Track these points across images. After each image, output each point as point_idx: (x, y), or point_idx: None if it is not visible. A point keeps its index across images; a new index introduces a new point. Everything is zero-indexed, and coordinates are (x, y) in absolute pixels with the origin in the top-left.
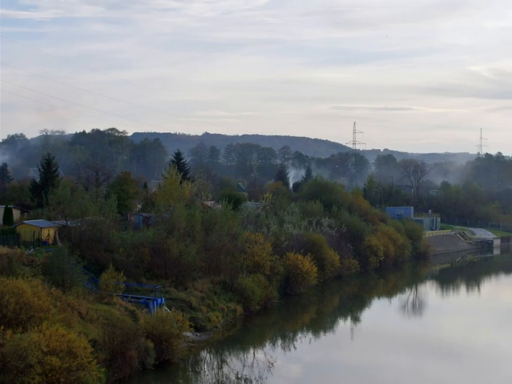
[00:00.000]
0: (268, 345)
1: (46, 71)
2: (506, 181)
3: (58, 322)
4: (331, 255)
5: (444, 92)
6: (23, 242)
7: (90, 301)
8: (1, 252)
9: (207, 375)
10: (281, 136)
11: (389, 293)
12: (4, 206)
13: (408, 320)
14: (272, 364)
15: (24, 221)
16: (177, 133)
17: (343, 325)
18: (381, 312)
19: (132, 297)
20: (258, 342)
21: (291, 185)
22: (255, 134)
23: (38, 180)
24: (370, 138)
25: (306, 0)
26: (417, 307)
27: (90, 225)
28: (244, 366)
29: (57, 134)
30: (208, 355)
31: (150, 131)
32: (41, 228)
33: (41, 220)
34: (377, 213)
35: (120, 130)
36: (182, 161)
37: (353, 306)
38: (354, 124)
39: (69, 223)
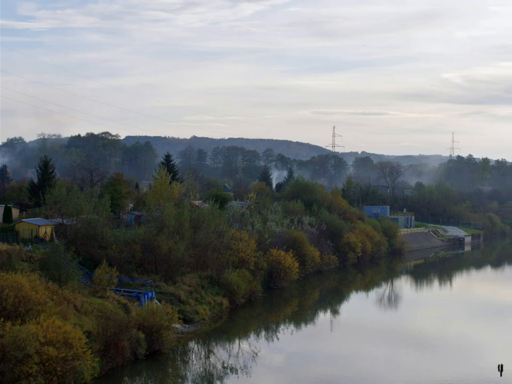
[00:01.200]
0: (252, 336)
1: (44, 78)
2: (477, 181)
3: (54, 314)
4: (312, 251)
5: (418, 98)
6: (22, 240)
7: (85, 294)
8: (1, 248)
9: (195, 364)
10: (264, 139)
11: (366, 287)
12: (4, 205)
13: (384, 313)
14: (256, 353)
15: (23, 219)
16: (167, 137)
17: (323, 317)
18: (358, 305)
19: (124, 291)
20: (243, 333)
21: (274, 186)
22: (240, 137)
23: (35, 180)
24: (349, 142)
25: (289, 12)
26: (392, 300)
27: (85, 223)
28: (230, 355)
29: (54, 137)
30: (196, 345)
31: (141, 135)
32: (38, 225)
33: (39, 218)
34: (355, 212)
35: (113, 134)
36: (171, 163)
37: (332, 299)
38: (334, 128)
39: (64, 221)
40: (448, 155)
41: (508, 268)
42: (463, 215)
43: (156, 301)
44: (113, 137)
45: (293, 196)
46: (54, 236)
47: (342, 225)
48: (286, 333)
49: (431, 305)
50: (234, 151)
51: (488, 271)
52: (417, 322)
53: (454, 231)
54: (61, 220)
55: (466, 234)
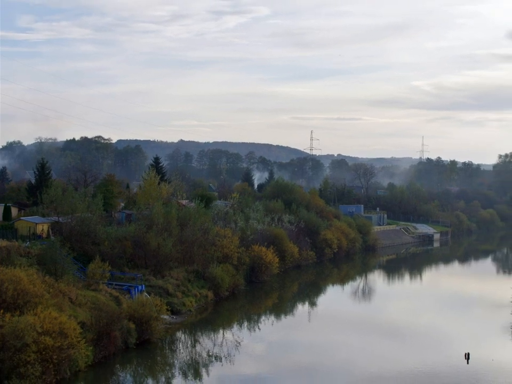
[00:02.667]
0: (235, 327)
1: (41, 86)
2: (445, 182)
3: (51, 306)
4: (291, 247)
5: (390, 104)
6: (20, 236)
7: (79, 287)
8: (0, 244)
9: (182, 353)
10: (247, 143)
11: (342, 280)
12: (3, 204)
13: (359, 304)
14: (239, 343)
15: (21, 218)
16: (156, 140)
17: (302, 308)
18: (334, 297)
19: (116, 284)
20: (227, 324)
21: (256, 186)
22: (224, 141)
23: (33, 181)
24: (325, 145)
25: (270, 24)
26: (366, 293)
27: (79, 221)
28: (214, 344)
29: (51, 141)
30: (183, 335)
31: (131, 138)
32: (36, 223)
33: (36, 216)
34: (331, 211)
35: (106, 138)
36: (159, 165)
37: (310, 292)
38: (311, 132)
39: (60, 219)
40: (418, 157)
41: (474, 263)
42: (432, 213)
43: (146, 294)
44: (106, 141)
45: (273, 196)
46: (51, 233)
47: (319, 223)
48: (267, 323)
49: (402, 297)
50: (218, 154)
51: (455, 265)
52: (389, 313)
53: (424, 229)
54: (56, 218)
55: (435, 231)
